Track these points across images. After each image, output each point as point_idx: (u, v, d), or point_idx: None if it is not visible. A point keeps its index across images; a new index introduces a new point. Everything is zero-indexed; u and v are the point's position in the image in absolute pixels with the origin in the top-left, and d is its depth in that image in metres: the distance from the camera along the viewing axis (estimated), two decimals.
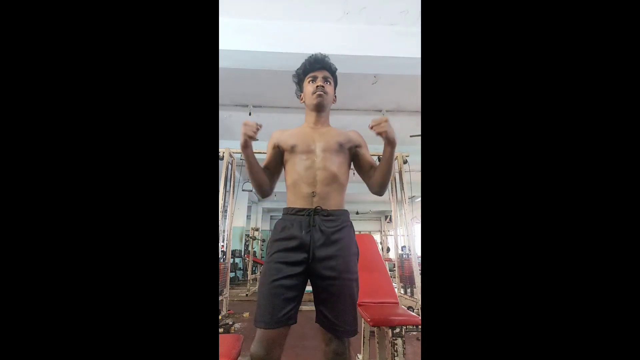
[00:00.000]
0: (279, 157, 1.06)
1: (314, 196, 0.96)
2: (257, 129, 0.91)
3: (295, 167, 1.01)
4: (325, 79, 1.07)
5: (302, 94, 1.12)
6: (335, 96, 1.14)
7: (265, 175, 1.03)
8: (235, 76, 2.95)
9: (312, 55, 1.08)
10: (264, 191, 1.04)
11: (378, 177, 1.01)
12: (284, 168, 1.07)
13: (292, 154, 1.02)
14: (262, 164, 1.04)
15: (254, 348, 0.86)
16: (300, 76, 1.11)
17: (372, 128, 0.90)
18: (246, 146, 0.93)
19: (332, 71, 1.10)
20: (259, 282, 0.95)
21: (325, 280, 0.91)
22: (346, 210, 1.01)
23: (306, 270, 0.92)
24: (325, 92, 1.05)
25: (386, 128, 0.88)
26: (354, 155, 1.08)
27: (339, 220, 0.97)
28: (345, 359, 0.91)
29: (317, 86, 1.05)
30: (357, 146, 1.07)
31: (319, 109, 1.07)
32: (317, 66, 1.08)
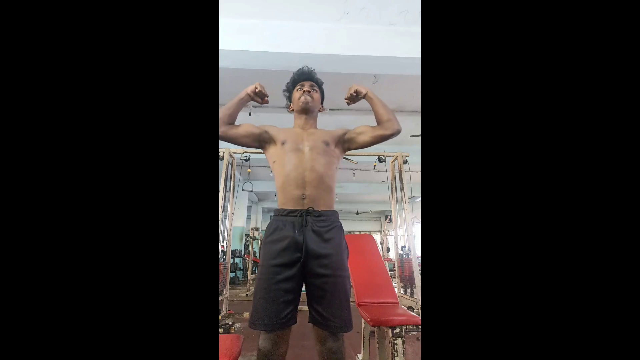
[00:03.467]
0: (259, 134, 1.11)
1: (304, 198, 0.99)
2: (257, 91, 1.06)
3: (284, 167, 1.03)
4: (311, 87, 1.17)
5: (291, 104, 1.20)
6: (323, 105, 1.21)
7: (234, 122, 1.09)
8: (235, 76, 2.95)
9: (300, 68, 1.18)
10: (223, 121, 1.07)
11: (378, 116, 1.09)
12: (272, 168, 1.09)
13: (282, 150, 1.06)
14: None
15: (261, 343, 0.90)
16: (290, 88, 1.20)
17: (352, 101, 1.09)
18: (246, 94, 1.07)
19: (318, 84, 1.20)
20: (256, 285, 0.96)
21: (319, 278, 0.92)
22: (336, 212, 1.05)
23: (301, 270, 0.93)
24: (311, 97, 1.14)
25: (356, 87, 1.09)
26: (348, 140, 1.13)
27: (330, 221, 1.00)
28: (340, 357, 0.91)
29: (304, 91, 1.14)
30: (345, 133, 1.13)
31: (306, 111, 1.14)
32: (303, 77, 1.18)
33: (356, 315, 1.11)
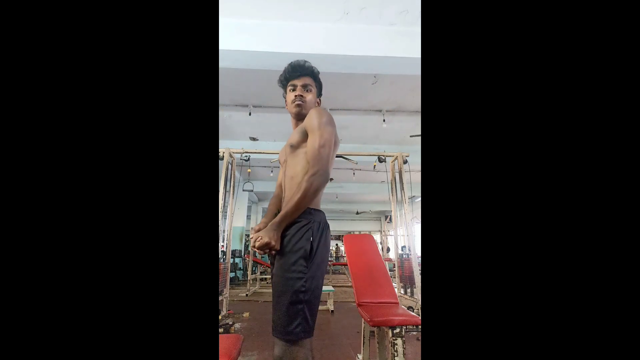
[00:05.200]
0: None
1: (283, 201, 1.04)
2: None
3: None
4: (304, 87, 1.07)
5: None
6: (319, 100, 1.13)
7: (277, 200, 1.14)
8: (235, 76, 2.95)
9: (292, 62, 1.07)
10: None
11: (286, 199, 0.98)
12: None
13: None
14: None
15: None
16: (283, 83, 1.10)
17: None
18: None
19: (313, 75, 1.09)
20: None
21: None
22: (312, 209, 0.95)
23: None
24: (304, 102, 1.05)
25: (258, 242, 0.87)
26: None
27: (295, 218, 0.93)
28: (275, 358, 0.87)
29: (296, 96, 1.05)
30: (307, 132, 0.99)
31: (298, 117, 1.07)
32: (296, 74, 1.07)
33: (356, 316, 1.11)
